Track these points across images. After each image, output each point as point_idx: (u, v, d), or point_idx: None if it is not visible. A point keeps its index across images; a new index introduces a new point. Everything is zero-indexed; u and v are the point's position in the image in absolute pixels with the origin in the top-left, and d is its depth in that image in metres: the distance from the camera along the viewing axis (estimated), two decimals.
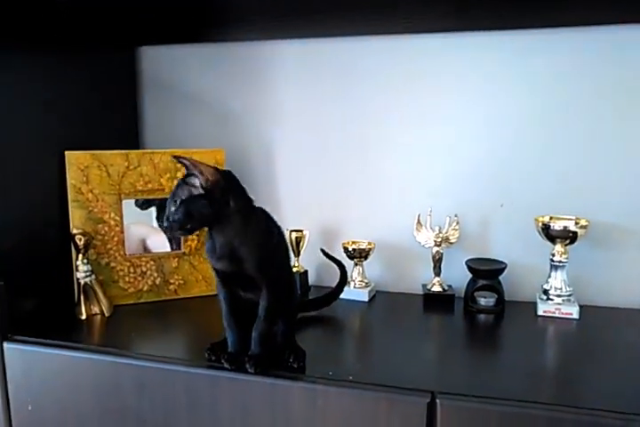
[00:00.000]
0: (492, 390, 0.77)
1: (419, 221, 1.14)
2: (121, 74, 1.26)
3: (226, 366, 0.83)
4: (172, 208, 0.80)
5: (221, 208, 0.80)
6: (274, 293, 0.85)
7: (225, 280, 0.87)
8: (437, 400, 0.74)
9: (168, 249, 1.14)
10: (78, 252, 1.03)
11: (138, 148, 1.29)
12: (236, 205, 0.82)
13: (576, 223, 1.03)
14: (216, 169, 0.81)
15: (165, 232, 0.80)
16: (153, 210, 1.13)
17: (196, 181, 0.79)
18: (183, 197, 0.79)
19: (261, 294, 0.84)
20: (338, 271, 1.11)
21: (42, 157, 1.04)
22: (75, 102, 1.11)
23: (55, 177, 1.06)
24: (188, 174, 0.81)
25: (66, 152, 1.05)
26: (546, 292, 1.06)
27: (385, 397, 0.76)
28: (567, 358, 0.93)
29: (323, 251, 1.12)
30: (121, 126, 1.26)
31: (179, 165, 1.12)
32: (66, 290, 1.07)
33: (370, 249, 1.15)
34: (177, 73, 1.29)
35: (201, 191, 0.79)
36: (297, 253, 1.19)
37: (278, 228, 0.90)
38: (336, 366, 0.86)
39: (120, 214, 1.09)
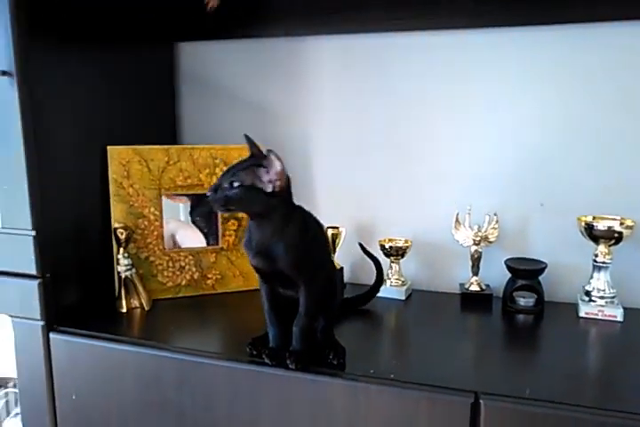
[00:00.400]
0: (532, 391, 0.76)
1: (457, 220, 1.13)
2: (160, 70, 1.27)
3: (266, 361, 0.83)
4: (227, 185, 0.79)
5: (270, 205, 0.81)
6: (312, 290, 0.85)
7: (264, 276, 0.87)
8: (481, 401, 0.74)
9: (203, 244, 1.15)
10: (119, 245, 1.05)
11: (176, 143, 1.31)
12: (280, 205, 0.82)
13: (621, 224, 1.01)
14: (285, 173, 0.81)
15: (209, 202, 0.81)
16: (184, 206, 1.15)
17: (264, 175, 0.80)
18: (247, 183, 0.79)
19: (300, 291, 0.85)
20: (374, 269, 1.11)
21: (85, 151, 1.05)
22: (116, 98, 1.12)
23: (97, 171, 1.07)
24: (260, 164, 0.80)
25: (108, 147, 1.07)
26: (588, 293, 1.04)
27: (426, 396, 0.76)
28: (610, 361, 0.91)
29: (361, 245, 1.12)
30: (160, 122, 1.28)
31: (217, 161, 1.14)
32: (107, 283, 1.09)
33: (407, 247, 1.14)
34: (214, 69, 1.29)
35: (266, 188, 0.80)
36: (333, 251, 1.19)
37: (320, 226, 0.90)
38: (375, 363, 0.86)
39: (160, 209, 1.11)
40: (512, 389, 0.76)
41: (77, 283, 1.04)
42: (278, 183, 0.80)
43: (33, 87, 0.91)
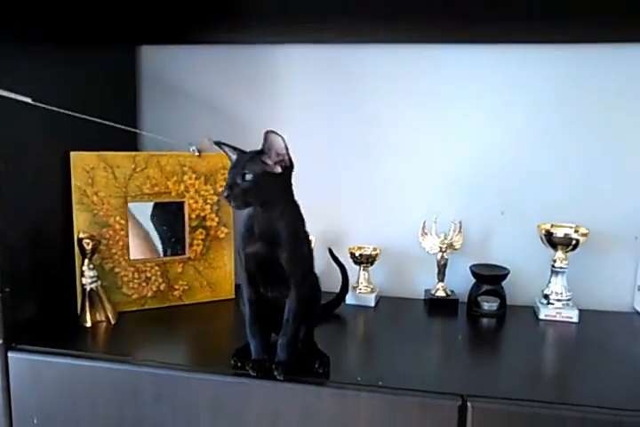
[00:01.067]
0: (501, 390, 0.80)
1: (424, 228, 1.16)
2: (122, 74, 1.22)
3: (251, 373, 0.82)
4: (240, 179, 0.80)
5: (279, 190, 0.84)
6: (302, 292, 0.85)
7: (253, 276, 0.86)
8: (468, 403, 0.77)
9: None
10: (84, 257, 1.00)
11: (137, 150, 1.26)
12: (287, 187, 0.85)
13: (576, 231, 1.08)
14: (287, 147, 0.83)
15: (229, 201, 0.80)
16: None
17: (267, 159, 0.82)
18: (257, 171, 0.81)
19: (289, 293, 0.84)
20: (340, 276, 1.13)
21: (45, 157, 0.99)
22: (75, 102, 1.06)
23: (58, 178, 1.01)
24: (260, 151, 0.82)
25: (71, 153, 1.01)
26: (546, 296, 1.10)
27: (417, 401, 0.78)
28: (570, 360, 0.97)
29: (330, 251, 1.13)
30: (120, 128, 1.22)
31: (185, 169, 1.11)
32: (68, 296, 1.02)
33: (376, 255, 1.17)
34: (178, 74, 1.26)
35: (275, 170, 0.82)
36: None
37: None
38: (356, 371, 0.87)
39: (125, 218, 1.06)
40: (483, 389, 0.80)
41: (36, 297, 0.98)
42: (286, 158, 0.83)
43: None
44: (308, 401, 0.81)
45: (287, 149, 0.82)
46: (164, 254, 1.11)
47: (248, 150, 0.85)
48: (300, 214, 0.88)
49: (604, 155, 1.14)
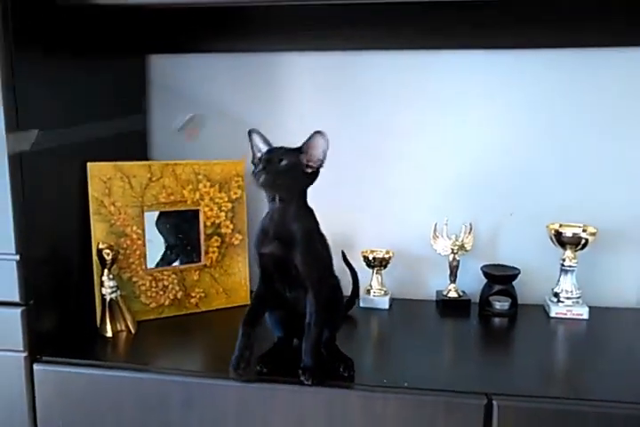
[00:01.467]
0: (520, 388, 0.83)
1: (435, 230, 1.18)
2: (131, 82, 1.23)
3: (231, 370, 0.83)
4: (276, 161, 0.83)
5: (301, 189, 0.87)
6: (320, 295, 0.86)
7: (268, 274, 0.87)
8: (494, 402, 0.79)
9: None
10: (104, 267, 1.00)
11: (146, 158, 1.26)
12: (305, 192, 0.88)
13: (584, 231, 1.11)
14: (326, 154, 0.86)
15: (260, 177, 0.83)
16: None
17: (303, 157, 0.85)
18: (292, 161, 0.84)
19: (307, 296, 0.85)
20: (350, 279, 1.14)
21: (63, 169, 1.00)
22: (87, 111, 1.07)
23: (76, 189, 1.02)
24: (299, 148, 0.86)
25: (88, 164, 1.02)
26: (557, 295, 1.13)
27: (444, 401, 0.80)
28: (583, 356, 0.99)
29: (343, 254, 1.14)
30: (131, 137, 1.23)
31: (200, 177, 1.12)
32: (87, 306, 1.03)
33: (389, 258, 1.18)
34: (186, 82, 1.27)
35: (307, 169, 0.86)
36: None
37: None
38: (376, 373, 0.89)
39: (142, 227, 1.07)
40: (502, 387, 0.82)
41: (57, 308, 0.98)
42: (320, 163, 0.86)
43: (18, 104, 0.86)
44: (334, 405, 0.83)
45: (325, 154, 0.86)
46: (181, 262, 1.12)
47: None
48: (315, 217, 0.90)
49: (610, 155, 1.17)
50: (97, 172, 1.02)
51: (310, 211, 0.89)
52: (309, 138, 0.85)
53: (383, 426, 0.81)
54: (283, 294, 0.89)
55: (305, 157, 0.85)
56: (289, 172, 0.84)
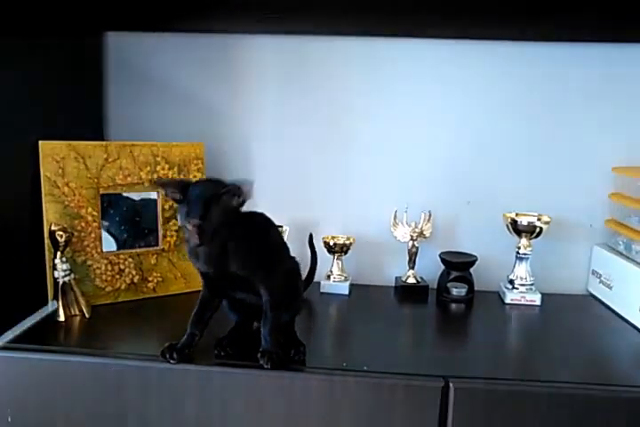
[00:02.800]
0: (475, 370, 0.85)
1: (395, 217, 1.19)
2: (86, 61, 1.18)
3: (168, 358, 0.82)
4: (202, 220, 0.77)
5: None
6: (273, 285, 0.85)
7: (211, 283, 0.86)
8: (450, 384, 0.80)
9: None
10: (57, 249, 0.97)
11: (103, 139, 1.22)
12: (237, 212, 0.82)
13: (538, 219, 1.14)
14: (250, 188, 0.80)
15: (195, 244, 0.78)
16: None
17: (233, 201, 0.79)
18: (218, 211, 0.78)
19: (260, 290, 0.84)
20: (320, 262, 1.14)
21: (11, 147, 0.95)
22: (40, 91, 1.02)
23: (26, 169, 0.98)
24: (226, 193, 0.79)
25: (40, 142, 0.97)
26: (512, 281, 1.16)
27: (402, 384, 0.81)
28: (535, 340, 1.03)
29: (310, 236, 1.14)
30: (87, 117, 1.19)
31: (158, 159, 1.09)
32: (39, 290, 0.99)
33: (350, 244, 1.19)
34: (147, 62, 1.23)
35: (236, 204, 0.80)
36: None
37: (267, 221, 0.91)
38: (335, 358, 0.90)
39: (97, 209, 1.03)
40: (458, 370, 0.84)
41: (7, 292, 0.94)
42: (246, 198, 0.80)
43: None
44: (293, 388, 0.82)
45: (250, 189, 0.80)
46: (138, 246, 1.09)
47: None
48: (248, 227, 0.84)
49: (562, 148, 1.21)
50: (49, 151, 0.98)
51: (238, 222, 0.82)
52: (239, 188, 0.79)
53: (343, 408, 0.82)
54: (231, 295, 0.88)
55: (233, 198, 0.79)
56: (225, 218, 0.78)
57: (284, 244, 0.95)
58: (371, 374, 0.82)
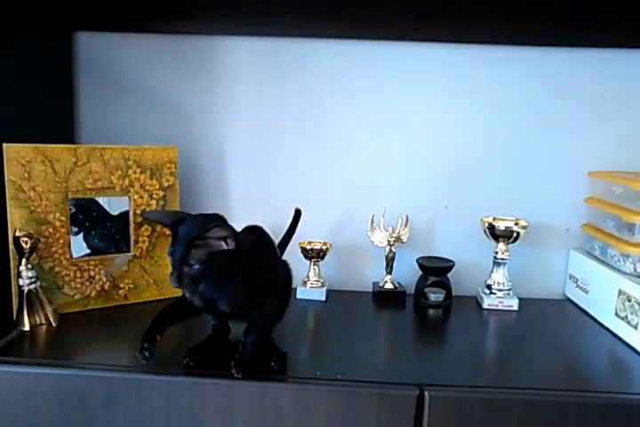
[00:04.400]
0: (452, 378, 0.84)
1: (372, 222, 1.18)
2: (57, 61, 1.15)
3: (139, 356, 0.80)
4: (187, 268, 0.75)
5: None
6: (265, 311, 0.85)
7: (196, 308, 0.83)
8: (426, 393, 0.79)
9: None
10: (22, 256, 0.93)
11: (73, 143, 1.19)
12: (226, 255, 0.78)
13: (516, 224, 1.14)
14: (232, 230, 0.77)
15: (181, 286, 0.77)
16: None
17: (222, 245, 0.76)
18: (204, 257, 0.75)
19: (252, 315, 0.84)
20: (300, 268, 1.12)
21: None
22: (6, 91, 0.99)
23: None
24: (211, 237, 0.75)
25: (4, 144, 0.94)
26: (489, 286, 1.16)
27: (377, 392, 0.79)
28: (512, 345, 1.01)
29: (298, 213, 1.09)
30: (56, 119, 1.15)
31: (129, 163, 1.07)
32: (2, 299, 0.96)
33: (326, 249, 1.17)
34: (118, 63, 1.20)
35: (224, 246, 0.76)
36: None
37: (265, 240, 0.89)
38: (311, 365, 0.88)
39: (66, 214, 1.00)
40: (435, 377, 0.83)
41: None
42: (231, 239, 0.76)
43: None
44: (266, 398, 0.80)
45: (232, 232, 0.77)
46: (109, 252, 1.06)
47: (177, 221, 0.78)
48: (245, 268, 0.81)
49: (538, 154, 1.20)
50: (14, 154, 0.95)
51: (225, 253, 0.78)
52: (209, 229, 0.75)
53: (316, 418, 0.80)
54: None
55: (216, 241, 0.76)
56: (211, 264, 0.75)
57: (276, 256, 0.93)
58: (344, 383, 0.80)
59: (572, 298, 1.20)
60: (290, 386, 0.80)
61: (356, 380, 0.81)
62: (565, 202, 1.21)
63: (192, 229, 0.76)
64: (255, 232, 0.88)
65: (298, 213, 1.08)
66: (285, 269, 0.93)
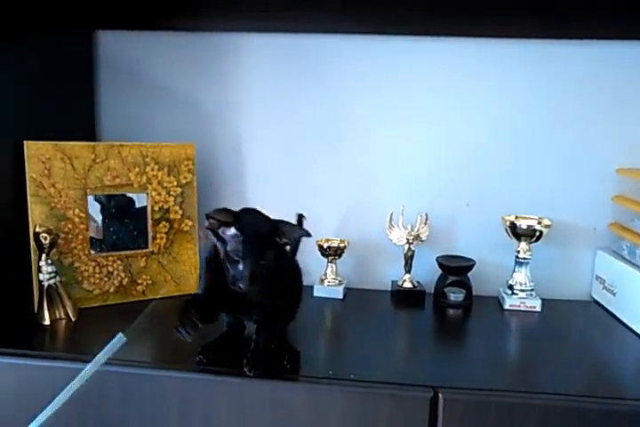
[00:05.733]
0: (470, 380, 0.81)
1: (391, 220, 1.16)
2: (78, 60, 1.17)
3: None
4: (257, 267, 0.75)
5: None
6: (281, 306, 0.85)
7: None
8: (440, 395, 0.77)
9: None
10: (42, 252, 0.95)
11: (94, 140, 1.21)
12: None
13: (539, 223, 1.10)
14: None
15: (238, 283, 0.76)
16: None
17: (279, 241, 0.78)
18: (270, 257, 0.76)
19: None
20: (309, 270, 1.11)
21: None
22: (28, 90, 1.01)
23: (9, 169, 0.96)
24: (273, 235, 0.77)
25: (25, 142, 0.96)
26: (511, 287, 1.13)
27: (389, 394, 0.78)
28: (534, 348, 0.98)
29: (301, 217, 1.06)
30: (78, 117, 1.17)
31: (147, 160, 1.07)
32: (23, 293, 0.98)
33: (344, 247, 1.16)
34: (137, 61, 1.21)
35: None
36: None
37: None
38: (325, 365, 0.86)
39: (85, 211, 1.02)
40: (453, 380, 0.81)
41: None
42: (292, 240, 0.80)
43: None
44: (278, 397, 0.80)
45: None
46: (127, 248, 1.07)
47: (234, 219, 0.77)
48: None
49: (564, 150, 1.16)
50: (35, 151, 0.96)
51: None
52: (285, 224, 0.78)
53: (328, 418, 0.79)
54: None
55: (280, 239, 0.78)
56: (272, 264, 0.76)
57: (294, 259, 0.94)
58: (357, 384, 0.79)
59: (599, 300, 1.16)
60: (302, 385, 0.80)
61: (368, 380, 0.79)
62: (592, 200, 1.16)
63: (262, 228, 0.77)
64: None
65: (300, 219, 1.07)
66: (296, 267, 0.93)
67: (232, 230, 0.75)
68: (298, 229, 0.80)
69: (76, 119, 1.18)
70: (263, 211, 0.83)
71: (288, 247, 0.83)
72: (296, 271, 0.93)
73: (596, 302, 1.17)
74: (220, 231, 0.76)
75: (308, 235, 0.79)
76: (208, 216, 0.76)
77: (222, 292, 0.79)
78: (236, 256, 0.75)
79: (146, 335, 0.97)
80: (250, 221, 0.77)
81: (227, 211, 0.77)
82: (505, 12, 1.08)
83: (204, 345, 0.86)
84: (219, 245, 0.77)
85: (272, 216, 0.90)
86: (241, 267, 0.74)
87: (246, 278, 0.74)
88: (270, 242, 0.77)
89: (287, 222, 0.79)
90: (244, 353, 0.81)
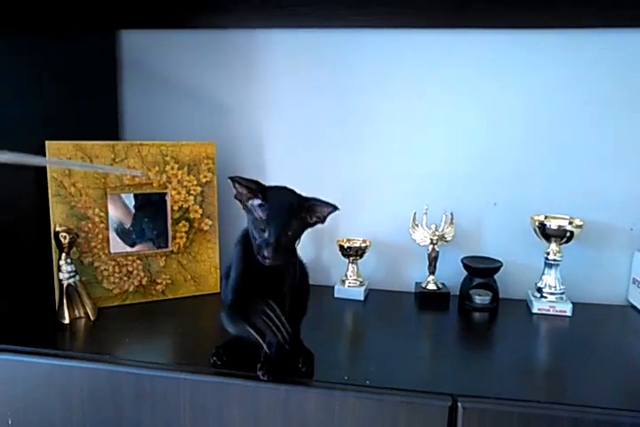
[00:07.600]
0: (494, 389, 0.77)
1: (414, 219, 1.13)
2: (101, 59, 1.17)
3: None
4: (284, 237, 0.76)
5: None
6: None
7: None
8: (459, 404, 0.74)
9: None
10: (61, 251, 0.96)
11: (118, 139, 1.21)
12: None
13: (570, 223, 1.05)
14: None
15: (270, 257, 0.75)
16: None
17: (307, 217, 0.79)
18: (298, 229, 0.78)
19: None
20: (330, 270, 1.09)
21: (18, 147, 0.94)
22: (52, 90, 1.02)
23: (32, 169, 0.97)
24: (301, 209, 0.78)
25: (46, 142, 0.97)
26: (540, 290, 1.08)
27: (406, 401, 0.75)
28: (564, 356, 0.94)
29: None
30: (101, 116, 1.18)
31: (167, 158, 1.07)
32: (44, 292, 0.99)
33: (365, 247, 1.13)
34: (160, 59, 1.21)
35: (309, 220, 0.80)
36: None
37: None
38: (343, 369, 0.84)
39: (105, 210, 1.02)
40: (475, 387, 0.77)
41: (11, 293, 0.94)
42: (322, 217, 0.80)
43: None
44: (291, 402, 0.78)
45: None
46: (147, 248, 1.07)
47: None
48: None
49: (597, 145, 1.11)
50: (56, 151, 0.97)
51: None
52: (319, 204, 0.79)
53: (341, 425, 0.77)
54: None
55: (309, 216, 0.79)
56: (297, 236, 0.79)
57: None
58: (373, 390, 0.77)
59: (636, 304, 1.10)
60: (315, 391, 0.77)
61: (384, 387, 0.77)
62: (628, 199, 1.10)
63: (290, 198, 0.78)
64: None
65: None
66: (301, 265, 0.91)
67: (259, 200, 0.77)
68: (327, 205, 0.80)
69: (101, 118, 1.19)
70: None
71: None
72: (302, 263, 0.91)
73: (633, 307, 1.11)
74: (248, 203, 0.78)
75: (336, 208, 0.79)
76: (234, 180, 0.78)
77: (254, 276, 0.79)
78: (262, 224, 0.75)
79: (162, 336, 0.98)
80: (277, 191, 0.79)
81: (254, 181, 0.79)
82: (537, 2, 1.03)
83: (218, 346, 0.85)
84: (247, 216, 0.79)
85: None
86: (266, 235, 0.74)
87: (271, 245, 0.74)
88: (297, 216, 0.77)
89: (315, 198, 0.80)
90: (258, 355, 0.80)
